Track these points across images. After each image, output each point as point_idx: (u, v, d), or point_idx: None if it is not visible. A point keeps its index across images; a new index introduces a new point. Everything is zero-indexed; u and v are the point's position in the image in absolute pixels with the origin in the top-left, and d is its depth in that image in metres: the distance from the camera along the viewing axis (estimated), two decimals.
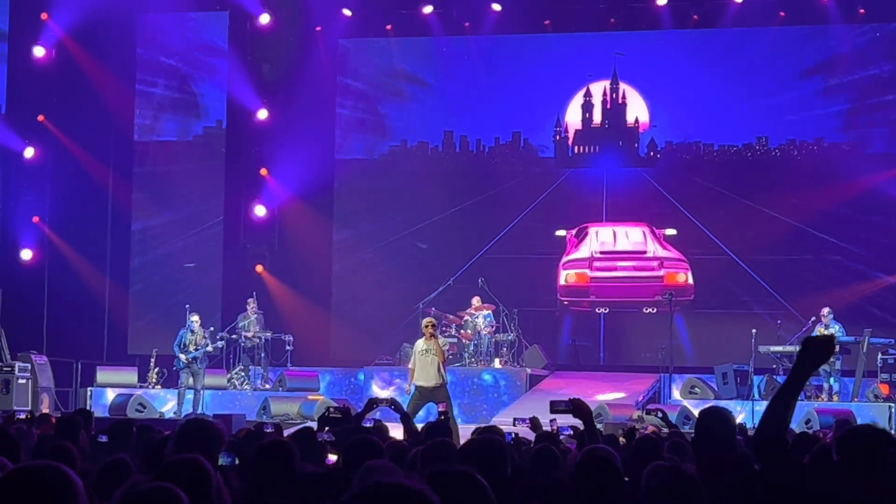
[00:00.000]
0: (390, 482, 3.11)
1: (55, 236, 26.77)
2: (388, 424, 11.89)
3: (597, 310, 27.21)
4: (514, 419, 11.08)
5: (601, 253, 27.38)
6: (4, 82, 27.14)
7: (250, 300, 24.83)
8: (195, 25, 28.29)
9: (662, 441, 9.48)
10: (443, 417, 12.10)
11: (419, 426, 11.09)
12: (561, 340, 27.40)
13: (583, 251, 27.40)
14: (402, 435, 10.74)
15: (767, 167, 26.91)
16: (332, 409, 10.65)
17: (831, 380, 22.17)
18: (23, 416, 11.69)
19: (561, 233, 27.43)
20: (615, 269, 27.34)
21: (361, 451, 6.85)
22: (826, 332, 22.22)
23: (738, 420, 21.54)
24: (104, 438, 9.27)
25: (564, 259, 27.42)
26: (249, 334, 24.33)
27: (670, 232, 26.96)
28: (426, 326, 18.18)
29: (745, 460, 6.18)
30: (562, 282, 27.42)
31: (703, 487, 5.38)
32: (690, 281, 26.69)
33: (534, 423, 10.50)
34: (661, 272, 27.03)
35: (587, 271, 27.36)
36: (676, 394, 23.18)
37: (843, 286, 25.59)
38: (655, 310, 26.60)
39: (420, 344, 18.13)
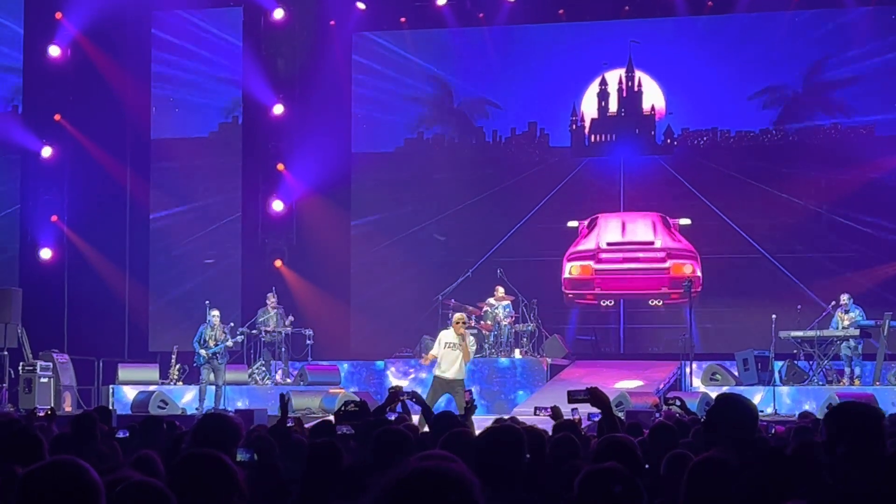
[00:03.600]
0: (429, 467, 3.09)
1: (74, 235, 26.84)
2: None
3: (602, 303, 27.13)
4: (536, 408, 11.07)
5: (608, 244, 27.26)
6: (21, 82, 27.25)
7: (270, 294, 24.83)
8: (209, 21, 28.32)
9: (686, 428, 9.47)
10: (469, 406, 12.10)
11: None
12: (577, 330, 27.30)
13: (589, 243, 27.29)
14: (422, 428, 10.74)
15: (784, 152, 26.83)
16: (349, 405, 10.65)
17: (852, 364, 22.11)
18: (42, 413, 11.71)
19: (573, 224, 27.36)
20: (620, 260, 27.20)
21: (392, 445, 6.84)
22: (846, 317, 22.18)
23: (757, 403, 21.56)
24: (124, 434, 9.29)
25: (570, 251, 27.32)
26: (269, 329, 24.35)
27: (684, 221, 26.86)
28: (458, 323, 18.05)
29: (762, 446, 6.15)
30: (566, 274, 27.27)
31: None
32: (698, 273, 26.42)
33: (555, 413, 10.49)
34: (668, 264, 26.87)
35: (591, 263, 27.22)
36: (697, 381, 23.13)
37: (863, 270, 25.50)
38: (661, 302, 26.54)
39: (449, 335, 17.96)
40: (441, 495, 3.04)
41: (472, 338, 18.55)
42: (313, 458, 6.52)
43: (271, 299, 24.71)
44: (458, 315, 18.58)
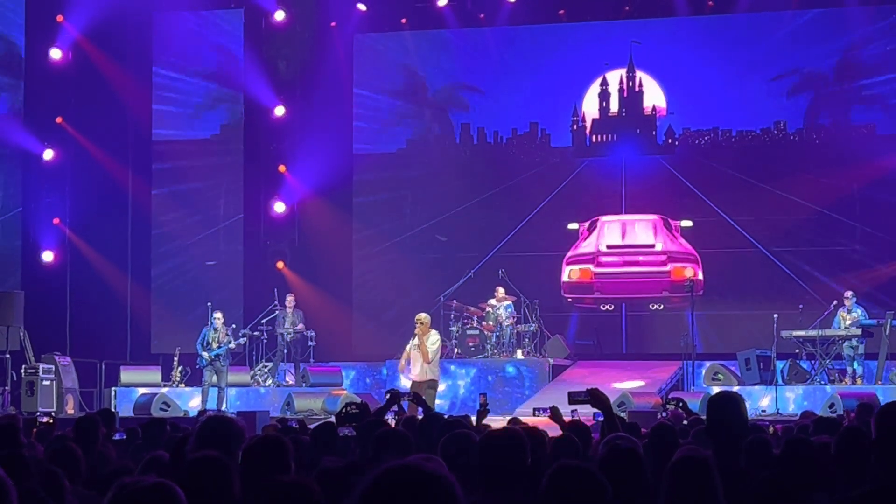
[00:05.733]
0: (405, 465, 3.06)
1: (76, 237, 26.85)
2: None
3: (602, 307, 27.07)
4: (534, 409, 11.08)
5: (608, 247, 27.17)
6: (22, 85, 27.25)
7: (290, 296, 24.87)
8: (211, 23, 28.34)
9: (686, 428, 9.48)
10: (482, 410, 12.11)
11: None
12: (579, 330, 27.23)
13: (589, 246, 27.20)
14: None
15: (786, 152, 26.82)
16: (350, 406, 10.67)
17: (854, 363, 22.11)
18: (44, 420, 11.74)
19: (573, 226, 27.28)
20: (620, 264, 27.09)
21: (387, 443, 6.85)
22: (848, 317, 22.18)
23: (763, 405, 21.56)
24: (121, 436, 9.30)
25: (570, 254, 27.24)
26: (287, 327, 24.35)
27: (686, 223, 26.79)
28: (417, 323, 18.51)
29: (763, 445, 6.17)
30: (565, 278, 27.17)
31: (720, 472, 5.38)
32: (700, 276, 26.27)
33: (554, 413, 10.50)
34: (668, 267, 26.76)
35: (591, 267, 27.11)
36: (701, 380, 23.11)
37: (865, 269, 25.49)
38: (662, 306, 26.50)
39: (415, 339, 18.54)
40: (419, 493, 3.02)
41: (434, 335, 18.70)
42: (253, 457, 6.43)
43: (290, 301, 24.73)
44: (418, 315, 18.80)
